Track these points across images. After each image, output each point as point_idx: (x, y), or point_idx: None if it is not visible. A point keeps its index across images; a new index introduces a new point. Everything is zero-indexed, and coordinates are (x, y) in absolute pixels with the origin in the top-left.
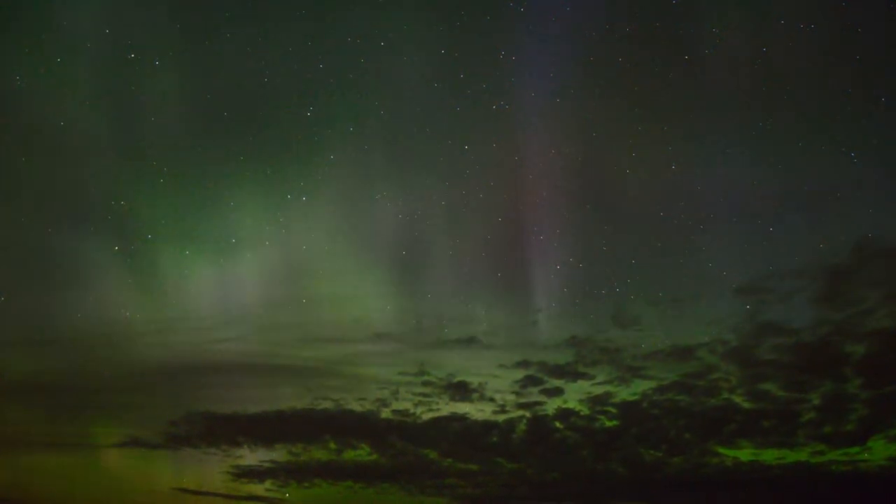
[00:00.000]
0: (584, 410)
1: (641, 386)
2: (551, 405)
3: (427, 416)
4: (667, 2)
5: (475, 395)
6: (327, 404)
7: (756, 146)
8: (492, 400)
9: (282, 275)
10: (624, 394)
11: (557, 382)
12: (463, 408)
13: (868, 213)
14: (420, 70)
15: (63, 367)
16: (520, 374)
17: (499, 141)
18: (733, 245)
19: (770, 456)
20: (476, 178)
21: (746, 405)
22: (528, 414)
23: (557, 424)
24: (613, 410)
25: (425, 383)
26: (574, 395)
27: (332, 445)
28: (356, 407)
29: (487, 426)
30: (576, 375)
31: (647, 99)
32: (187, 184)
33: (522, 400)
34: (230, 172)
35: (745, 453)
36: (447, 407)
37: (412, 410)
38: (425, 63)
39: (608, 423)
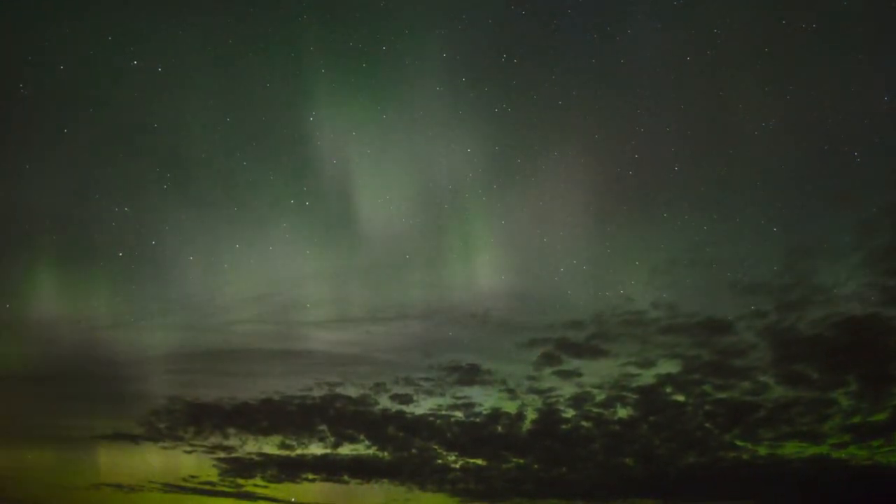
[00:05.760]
0: (601, 396)
1: (666, 367)
2: (567, 389)
3: (430, 404)
4: (667, 3)
5: (485, 378)
6: (323, 391)
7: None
8: (503, 383)
9: (282, 271)
10: (646, 376)
11: (576, 363)
12: (470, 393)
13: None
14: (422, 74)
15: (46, 355)
16: (536, 352)
17: (501, 144)
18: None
19: (790, 449)
20: (479, 181)
21: (777, 391)
22: (539, 400)
23: (569, 413)
24: (632, 396)
25: (430, 367)
26: (591, 380)
27: (329, 438)
28: (353, 393)
29: (494, 416)
30: (596, 353)
31: (649, 99)
32: (189, 187)
33: (536, 384)
34: (231, 176)
35: (763, 447)
36: (452, 391)
37: (414, 397)
38: (427, 67)
39: (624, 413)
